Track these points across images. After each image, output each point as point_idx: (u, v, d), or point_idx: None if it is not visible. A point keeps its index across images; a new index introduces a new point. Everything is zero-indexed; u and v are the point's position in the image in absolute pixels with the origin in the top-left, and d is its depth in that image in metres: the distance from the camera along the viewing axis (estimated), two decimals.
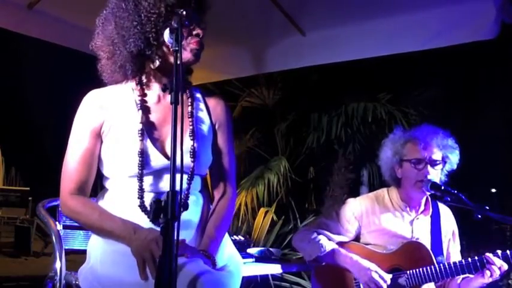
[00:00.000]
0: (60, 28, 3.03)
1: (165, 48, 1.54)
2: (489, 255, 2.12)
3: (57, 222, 2.00)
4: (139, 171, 1.51)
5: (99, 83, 1.64)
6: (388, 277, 2.22)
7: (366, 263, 2.24)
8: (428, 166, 2.26)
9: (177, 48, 1.34)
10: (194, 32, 1.54)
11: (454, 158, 2.34)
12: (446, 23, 2.83)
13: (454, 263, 2.16)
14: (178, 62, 1.31)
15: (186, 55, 1.54)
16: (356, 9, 2.97)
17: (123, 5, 1.52)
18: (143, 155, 1.51)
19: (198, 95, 1.71)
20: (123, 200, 1.54)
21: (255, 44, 3.47)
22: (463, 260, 2.15)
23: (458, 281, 2.27)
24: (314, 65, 3.52)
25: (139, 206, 1.51)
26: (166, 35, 1.45)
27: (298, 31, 3.24)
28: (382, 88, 5.95)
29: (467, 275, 2.21)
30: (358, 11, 2.98)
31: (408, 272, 2.21)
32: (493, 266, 2.10)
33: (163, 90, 1.37)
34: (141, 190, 1.52)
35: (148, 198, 1.53)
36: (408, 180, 2.32)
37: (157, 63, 1.55)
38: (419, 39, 2.95)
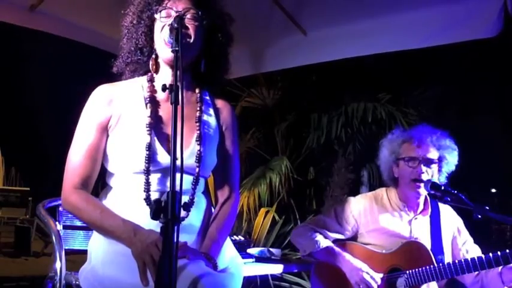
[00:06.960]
0: (64, 24, 3.02)
1: (156, 45, 1.58)
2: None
3: (57, 222, 2.00)
4: (146, 165, 1.50)
5: (101, 83, 1.64)
6: (379, 277, 2.22)
7: (357, 263, 2.24)
8: (422, 165, 2.26)
9: (177, 48, 1.34)
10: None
11: (452, 159, 2.32)
12: (447, 21, 2.82)
13: (454, 262, 2.15)
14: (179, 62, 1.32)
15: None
16: (357, 7, 2.97)
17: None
18: (150, 149, 1.51)
19: (207, 98, 1.71)
20: (128, 196, 1.54)
21: (257, 43, 3.47)
22: (462, 260, 2.14)
23: (500, 269, 2.16)
24: (314, 65, 3.51)
25: (144, 199, 1.50)
26: (162, 32, 1.52)
27: (300, 30, 3.24)
28: (382, 88, 5.93)
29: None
30: (359, 10, 2.98)
31: (408, 272, 2.21)
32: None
33: (163, 90, 1.38)
34: (148, 184, 1.51)
35: (154, 194, 1.52)
36: (403, 179, 2.32)
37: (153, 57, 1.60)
38: (421, 37, 2.95)
